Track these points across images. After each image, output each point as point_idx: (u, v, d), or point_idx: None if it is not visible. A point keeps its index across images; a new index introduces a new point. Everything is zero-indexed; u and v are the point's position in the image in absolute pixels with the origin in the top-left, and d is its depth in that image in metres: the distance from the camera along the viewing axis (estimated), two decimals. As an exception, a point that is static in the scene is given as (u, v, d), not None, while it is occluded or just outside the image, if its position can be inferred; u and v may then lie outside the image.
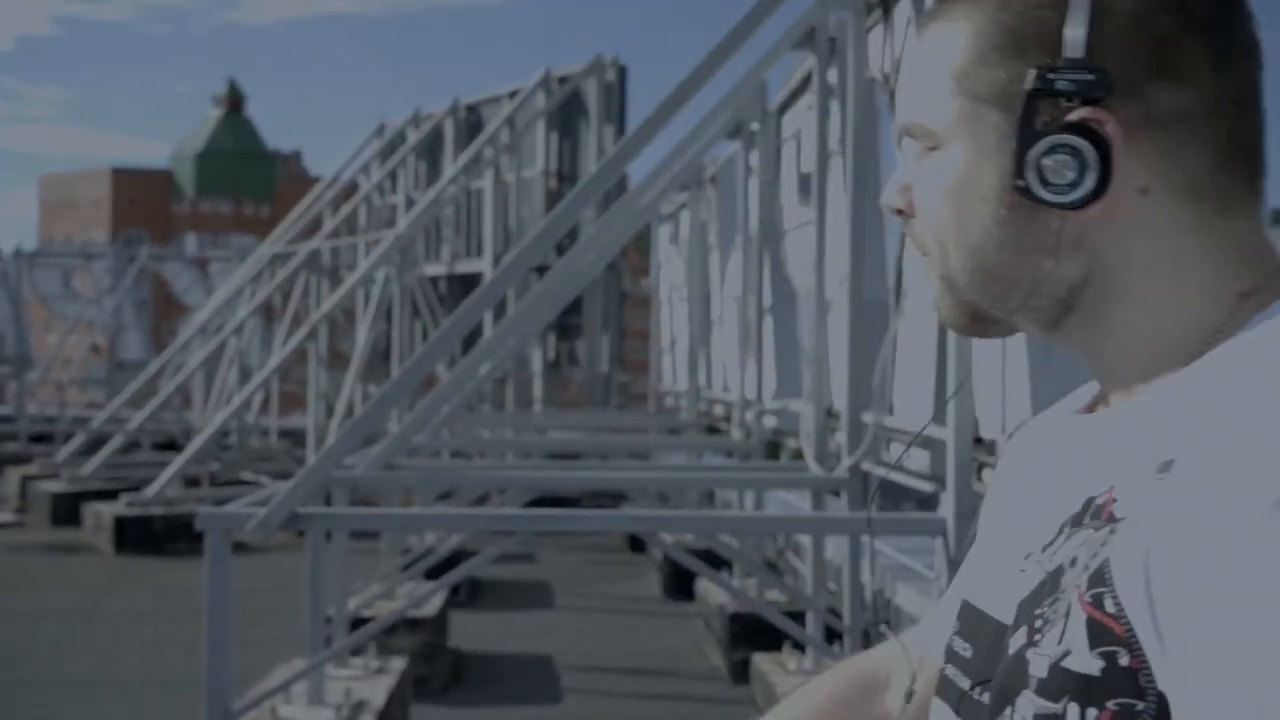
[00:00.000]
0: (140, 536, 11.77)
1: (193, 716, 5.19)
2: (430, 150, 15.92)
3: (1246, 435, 0.65)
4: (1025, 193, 0.73)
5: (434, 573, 7.22)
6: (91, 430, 15.45)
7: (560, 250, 7.79)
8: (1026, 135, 0.73)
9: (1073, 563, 0.72)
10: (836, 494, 5.31)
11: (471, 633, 8.26)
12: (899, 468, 4.94)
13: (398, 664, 6.19)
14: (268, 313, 16.41)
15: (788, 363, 7.52)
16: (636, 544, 11.26)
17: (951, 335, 3.82)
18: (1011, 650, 0.74)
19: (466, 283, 15.64)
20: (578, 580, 10.34)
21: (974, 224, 0.77)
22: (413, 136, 15.17)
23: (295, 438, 16.00)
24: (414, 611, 6.74)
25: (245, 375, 15.37)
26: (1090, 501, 0.73)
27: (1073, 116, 0.72)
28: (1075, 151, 0.72)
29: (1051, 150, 0.72)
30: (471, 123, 15.38)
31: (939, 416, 4.27)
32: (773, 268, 7.39)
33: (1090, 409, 0.84)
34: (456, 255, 15.17)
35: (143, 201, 66.00)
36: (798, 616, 7.12)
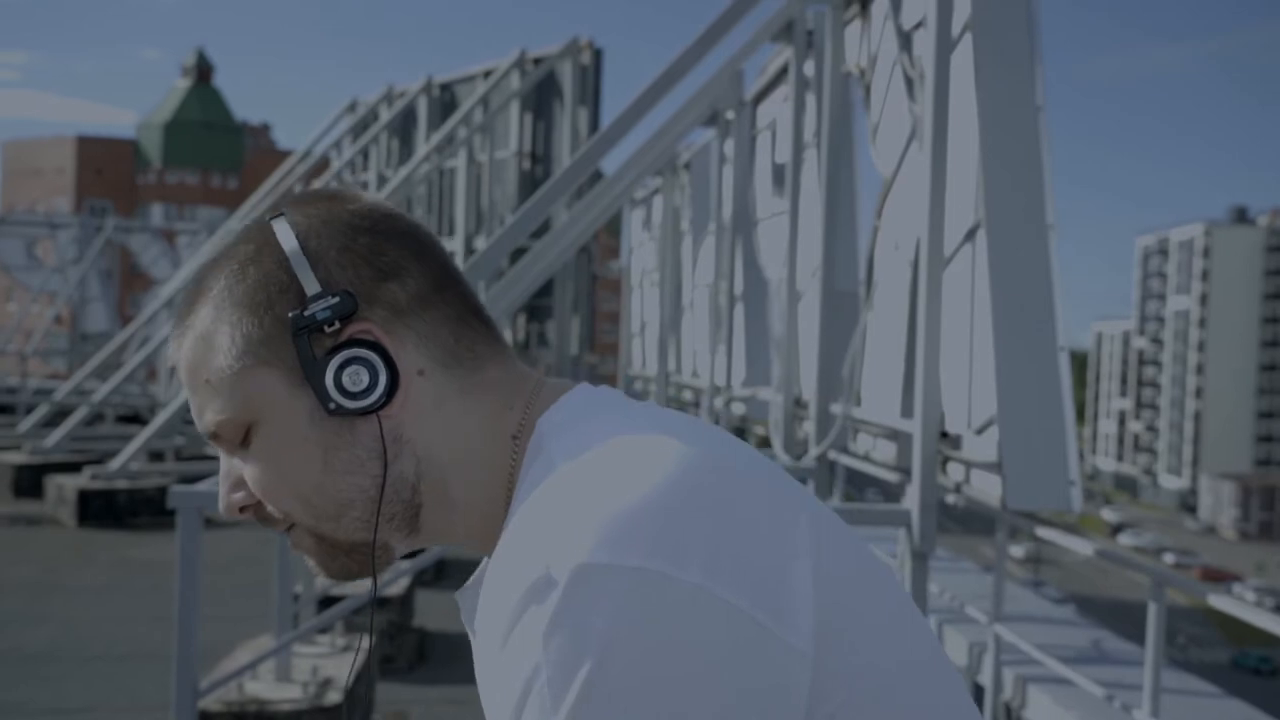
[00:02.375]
0: (103, 510, 11.70)
1: (156, 692, 5.20)
2: (403, 128, 15.85)
3: (490, 584, 0.72)
4: (340, 411, 0.79)
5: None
6: (54, 402, 15.31)
7: (537, 233, 7.80)
8: (312, 367, 0.79)
9: None
10: (804, 482, 5.37)
11: (437, 612, 8.28)
12: (866, 459, 5.01)
13: (364, 643, 6.21)
14: (235, 287, 16.25)
15: (757, 351, 7.58)
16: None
17: (921, 329, 3.88)
18: None
19: (437, 262, 15.59)
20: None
21: (307, 468, 0.80)
22: (385, 113, 15.10)
23: (261, 414, 15.87)
24: (380, 591, 6.76)
25: (212, 350, 15.24)
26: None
27: (343, 336, 0.79)
28: (361, 360, 0.79)
29: (342, 367, 0.78)
30: (445, 101, 15.32)
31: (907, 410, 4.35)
32: (745, 256, 7.44)
33: None
34: (428, 234, 15.12)
35: (108, 170, 65.15)
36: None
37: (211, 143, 66.31)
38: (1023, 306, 3.50)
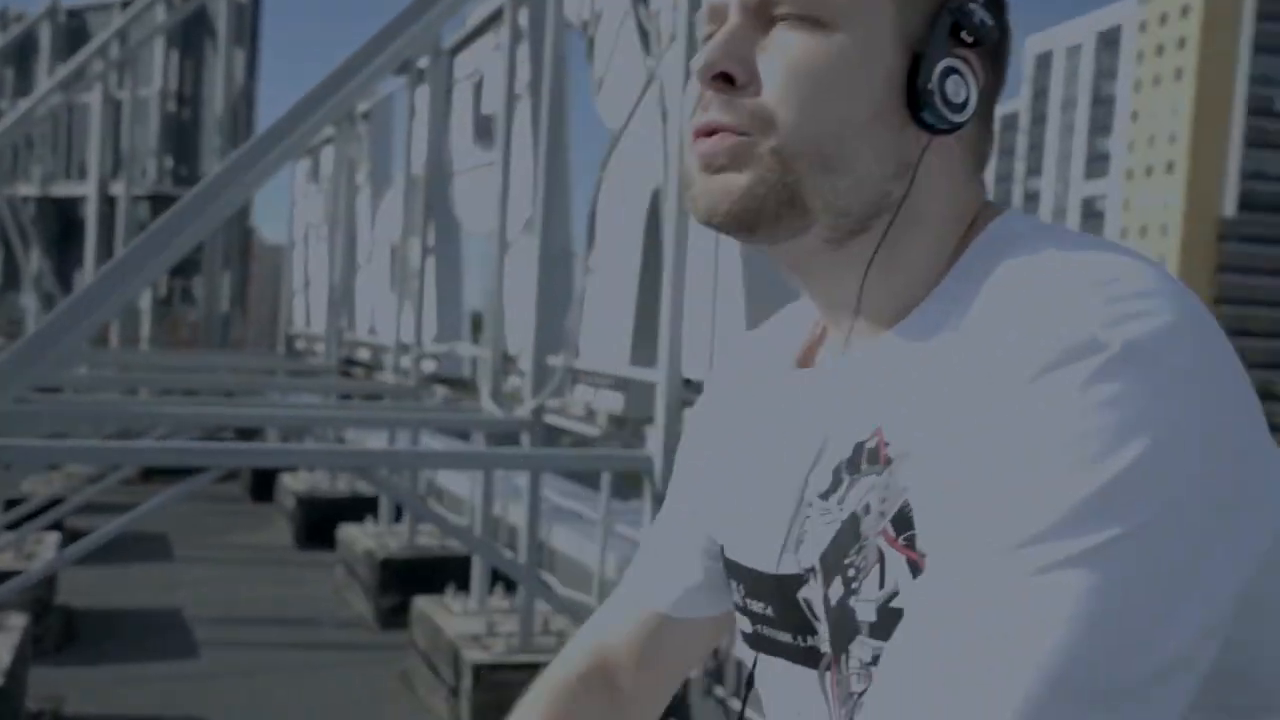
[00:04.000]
0: None
1: None
2: (20, 56, 14.22)
3: (998, 330, 0.67)
4: (921, 100, 0.73)
5: (28, 522, 6.50)
6: None
7: (184, 180, 7.23)
8: (938, 49, 0.73)
9: (866, 510, 0.73)
10: (519, 435, 5.34)
11: (82, 588, 7.56)
12: (590, 410, 5.06)
13: (18, 621, 5.56)
14: None
15: (450, 306, 7.45)
16: (259, 493, 10.75)
17: (667, 278, 3.95)
18: (834, 602, 0.75)
19: (62, 208, 14.14)
20: (196, 531, 9.70)
21: (846, 109, 0.73)
22: None
23: None
24: (20, 565, 6.07)
25: None
26: (860, 446, 0.75)
27: (966, 51, 0.75)
28: (963, 80, 0.74)
29: (947, 72, 0.73)
30: (74, 30, 13.89)
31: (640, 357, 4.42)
32: (439, 209, 7.28)
33: (810, 350, 0.86)
34: (52, 176, 13.67)
35: None
36: (454, 561, 7.14)
37: None
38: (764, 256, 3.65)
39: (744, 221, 0.74)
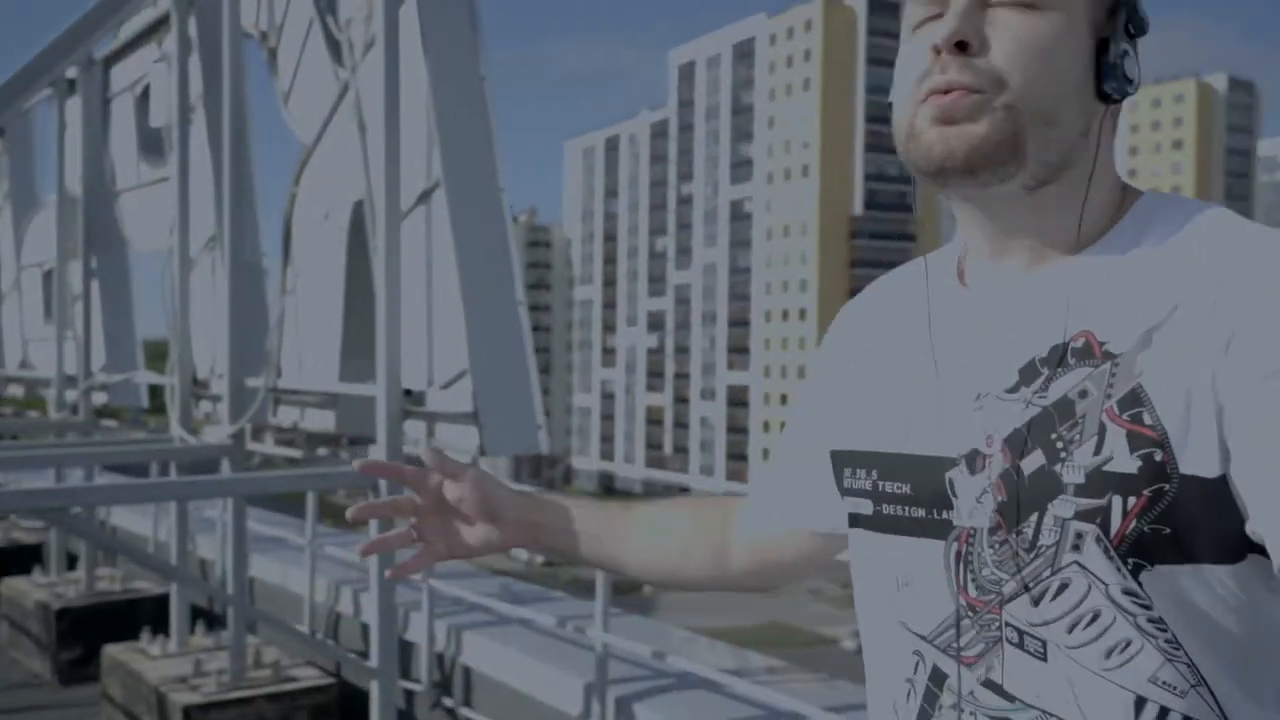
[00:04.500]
0: None
1: None
2: None
3: (1237, 259, 0.91)
4: (1108, 73, 0.96)
5: None
6: None
7: None
8: (1120, 34, 0.97)
9: (1082, 394, 0.92)
10: (219, 461, 5.09)
11: None
12: (293, 429, 4.91)
13: None
14: None
15: (120, 331, 6.97)
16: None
17: (381, 291, 3.92)
18: (1028, 472, 0.93)
19: None
20: None
21: (1062, 79, 0.95)
22: None
23: None
24: None
25: None
26: (1060, 346, 0.95)
27: (1131, 40, 0.99)
28: (1135, 61, 0.98)
29: (1124, 53, 0.97)
30: None
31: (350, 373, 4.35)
32: (101, 229, 6.79)
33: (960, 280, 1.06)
34: None
35: None
36: (143, 603, 6.69)
37: None
38: (485, 264, 3.70)
39: (975, 165, 0.94)
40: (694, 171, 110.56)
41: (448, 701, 4.89)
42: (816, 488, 1.18)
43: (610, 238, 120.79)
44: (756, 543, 1.30)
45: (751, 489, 1.33)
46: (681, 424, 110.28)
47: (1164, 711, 0.90)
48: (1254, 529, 0.87)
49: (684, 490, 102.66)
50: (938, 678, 1.00)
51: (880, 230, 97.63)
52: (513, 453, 3.66)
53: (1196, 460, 0.88)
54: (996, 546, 0.95)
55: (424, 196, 3.94)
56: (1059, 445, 0.92)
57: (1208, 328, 0.89)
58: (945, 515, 0.99)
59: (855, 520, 1.09)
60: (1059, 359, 0.94)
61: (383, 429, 3.88)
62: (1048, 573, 0.92)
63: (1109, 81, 0.96)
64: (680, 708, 3.72)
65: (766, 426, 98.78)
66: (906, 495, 1.02)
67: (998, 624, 0.96)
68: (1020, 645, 0.95)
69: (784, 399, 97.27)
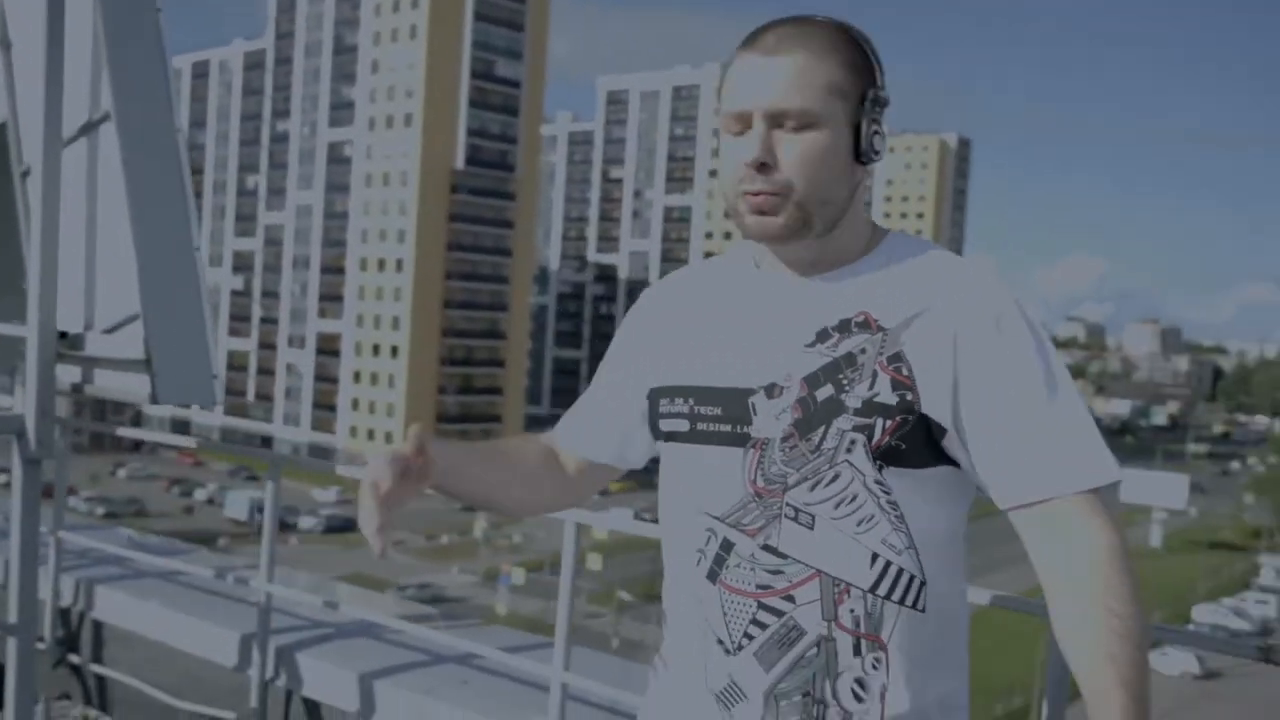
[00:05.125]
0: None
1: None
2: None
3: (959, 282, 1.40)
4: (864, 153, 1.41)
5: None
6: None
7: None
8: (871, 123, 1.40)
9: (863, 350, 1.38)
10: None
11: None
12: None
13: None
14: None
15: None
16: None
17: (36, 229, 3.66)
18: (820, 399, 1.38)
19: None
20: None
21: (832, 173, 1.40)
22: None
23: None
24: None
25: None
26: (847, 320, 1.41)
27: (865, 118, 1.42)
28: (881, 135, 1.42)
29: (873, 133, 1.41)
30: None
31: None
32: None
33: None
34: None
35: None
36: None
37: None
38: (160, 206, 3.55)
39: (779, 239, 1.40)
40: (291, 109, 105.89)
41: (74, 659, 4.64)
42: (619, 429, 1.63)
43: (197, 171, 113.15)
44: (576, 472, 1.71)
45: (565, 424, 1.71)
46: (266, 370, 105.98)
47: (888, 564, 1.36)
48: (980, 475, 1.38)
49: (266, 441, 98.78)
50: (726, 546, 1.41)
51: (481, 187, 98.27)
52: (187, 402, 3.56)
53: (933, 405, 1.36)
54: (788, 450, 1.38)
55: (88, 128, 3.71)
56: (844, 382, 1.38)
57: (946, 322, 1.37)
58: (745, 430, 1.41)
59: (672, 436, 1.49)
60: (846, 328, 1.40)
61: (34, 372, 3.64)
62: (826, 467, 1.36)
63: (865, 154, 1.41)
64: (349, 654, 3.81)
65: (357, 377, 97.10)
66: (717, 415, 1.43)
67: (779, 505, 1.38)
68: (795, 519, 1.37)
69: (376, 349, 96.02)
